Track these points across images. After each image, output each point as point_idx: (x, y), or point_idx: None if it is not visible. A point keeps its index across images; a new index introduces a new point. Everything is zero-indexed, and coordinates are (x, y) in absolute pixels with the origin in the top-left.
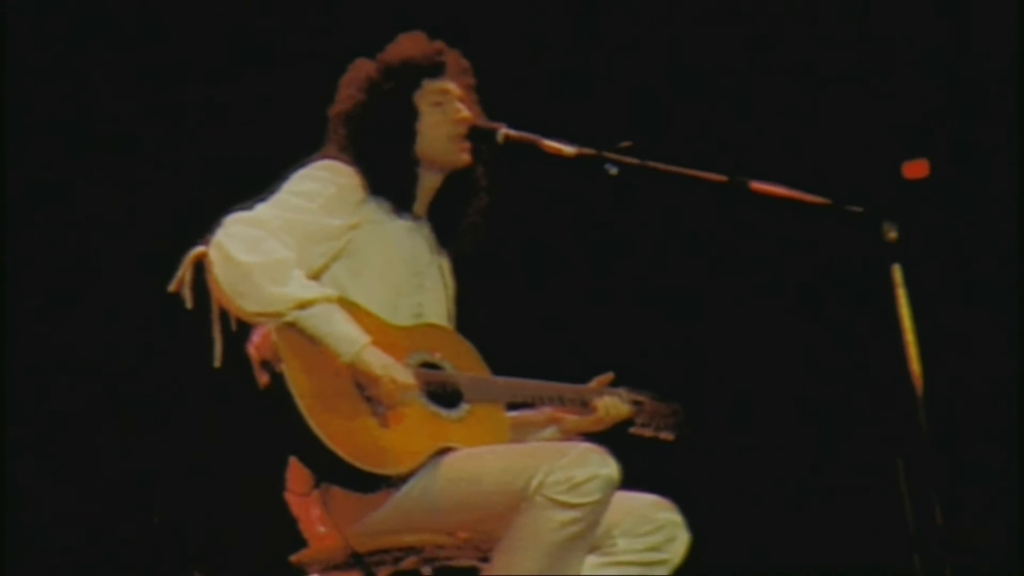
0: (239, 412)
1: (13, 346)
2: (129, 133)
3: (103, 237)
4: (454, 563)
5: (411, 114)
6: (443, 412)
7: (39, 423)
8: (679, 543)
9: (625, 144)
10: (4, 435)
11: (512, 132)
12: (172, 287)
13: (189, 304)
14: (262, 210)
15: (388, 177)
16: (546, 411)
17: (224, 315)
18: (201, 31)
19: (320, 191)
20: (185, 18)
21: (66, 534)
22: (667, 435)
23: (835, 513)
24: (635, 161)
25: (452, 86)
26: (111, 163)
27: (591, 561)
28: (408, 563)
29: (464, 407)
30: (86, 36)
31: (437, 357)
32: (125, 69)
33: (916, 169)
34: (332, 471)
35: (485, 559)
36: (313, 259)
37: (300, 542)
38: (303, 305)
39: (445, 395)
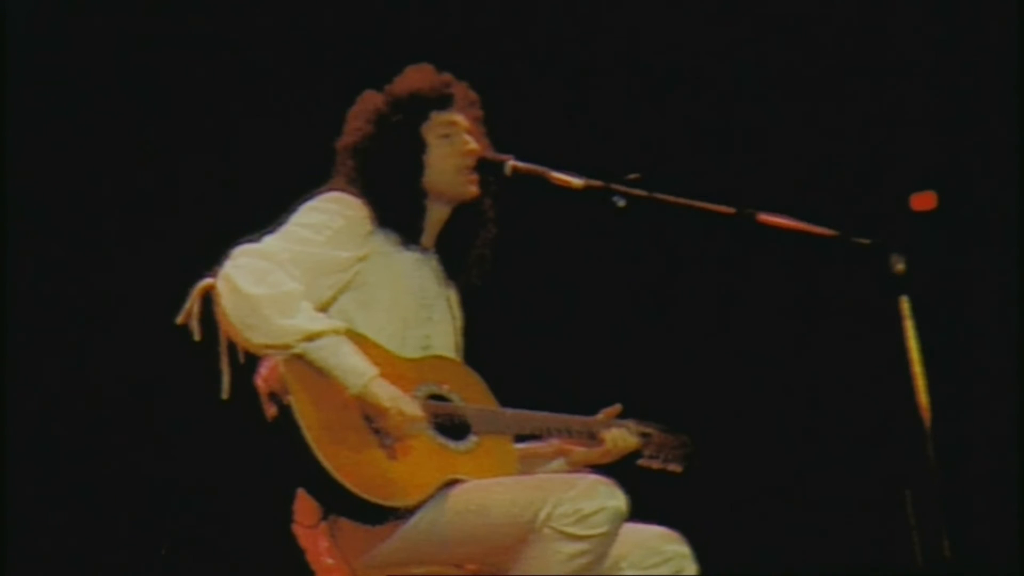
0: (247, 444)
1: (21, 378)
2: (140, 165)
3: (112, 270)
4: None
5: (419, 146)
6: (451, 444)
7: (44, 451)
8: (687, 573)
9: (633, 176)
10: (11, 470)
11: (520, 164)
12: (180, 319)
13: (197, 336)
14: (270, 242)
15: (396, 209)
16: (554, 443)
17: (232, 347)
18: (207, 62)
19: (328, 223)
20: (192, 51)
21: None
22: (675, 467)
23: (843, 545)
24: (643, 193)
25: (460, 118)
26: (122, 197)
27: None
28: None
29: (472, 439)
30: (95, 65)
31: (445, 389)
32: (134, 100)
33: (924, 201)
34: (340, 503)
35: None
36: (321, 291)
37: (308, 573)
38: (311, 337)
39: (453, 427)
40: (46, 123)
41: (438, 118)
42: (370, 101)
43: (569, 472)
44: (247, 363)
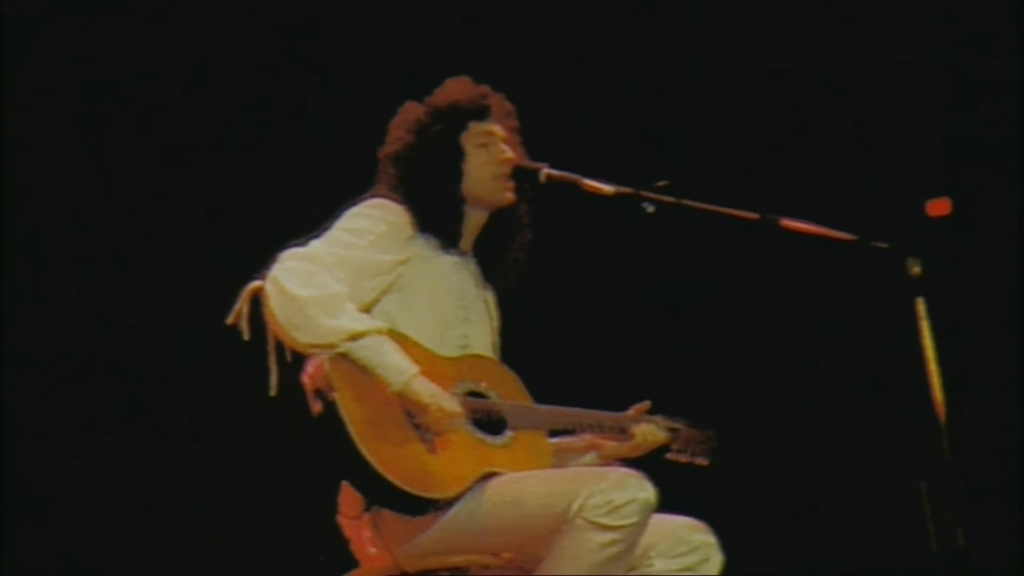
0: (294, 439)
1: (72, 376)
2: (194, 171)
3: (165, 273)
4: None
5: (458, 155)
6: (488, 439)
7: (96, 449)
8: (713, 564)
9: (662, 183)
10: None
11: (554, 172)
12: (230, 319)
13: (246, 336)
14: (316, 246)
15: (436, 215)
16: (586, 438)
17: (280, 346)
18: (259, 73)
19: (371, 228)
20: (235, 59)
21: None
22: (702, 460)
23: (861, 535)
24: (671, 199)
25: (497, 128)
26: (177, 204)
27: None
28: None
29: (508, 434)
30: (134, 69)
31: (483, 386)
32: (183, 107)
33: (939, 207)
34: (382, 495)
35: None
36: (364, 293)
37: (352, 563)
38: (355, 337)
39: (490, 422)
40: (106, 127)
41: (476, 128)
42: (411, 112)
43: (600, 465)
44: (294, 362)
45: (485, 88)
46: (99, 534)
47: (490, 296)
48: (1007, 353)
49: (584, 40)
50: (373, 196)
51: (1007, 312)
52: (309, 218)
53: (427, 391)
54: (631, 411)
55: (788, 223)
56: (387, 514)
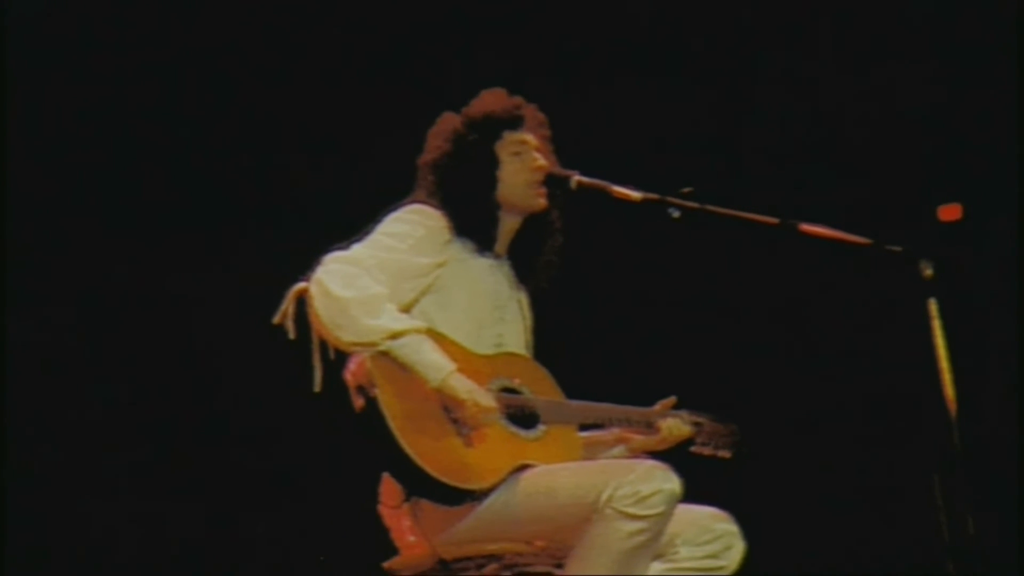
0: (337, 433)
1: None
2: (243, 181)
3: (215, 277)
4: (531, 570)
5: (492, 163)
6: (521, 433)
7: (156, 444)
8: (735, 551)
9: (686, 190)
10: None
11: (584, 179)
12: (276, 319)
13: (292, 335)
14: (358, 250)
15: (472, 219)
16: (615, 432)
17: (323, 345)
18: (305, 89)
19: (410, 232)
20: (281, 79)
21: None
22: (725, 453)
23: (876, 526)
24: (695, 205)
25: (530, 137)
26: (228, 206)
27: (655, 567)
28: (490, 569)
29: (541, 428)
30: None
31: (516, 383)
32: (231, 121)
33: (950, 212)
34: (421, 486)
35: (559, 565)
36: (404, 294)
37: (392, 550)
38: (395, 336)
39: (523, 417)
40: (163, 135)
41: (510, 137)
42: (448, 122)
43: (628, 458)
44: (337, 359)
45: (519, 99)
46: (163, 523)
47: (523, 297)
48: (1013, 350)
49: (610, 53)
50: (412, 202)
51: (1013, 312)
52: (351, 222)
53: (464, 387)
54: (657, 406)
55: (806, 227)
56: (426, 504)
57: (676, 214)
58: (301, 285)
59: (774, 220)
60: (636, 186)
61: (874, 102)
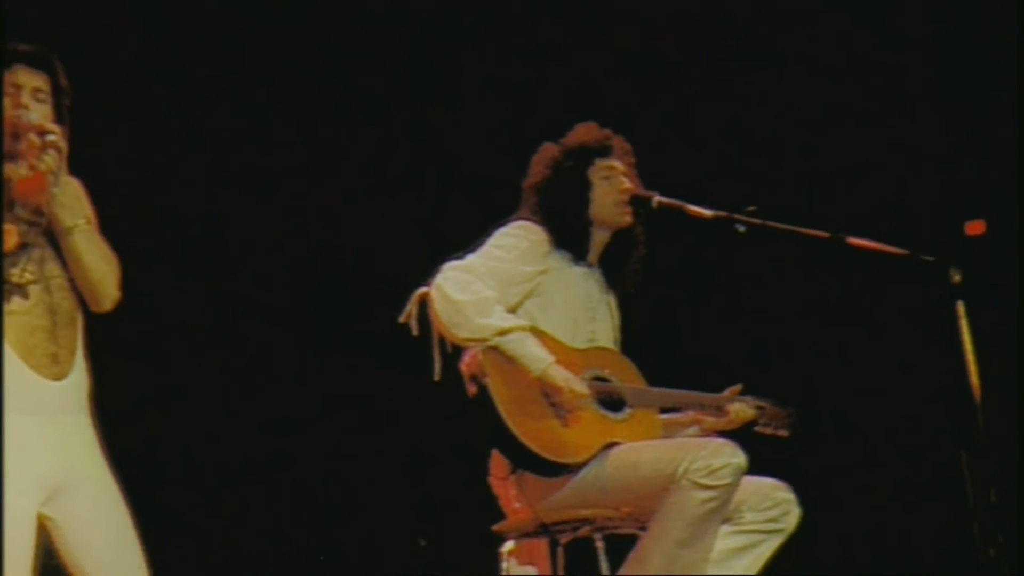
0: (453, 415)
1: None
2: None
3: (353, 283)
4: (619, 532)
5: (586, 186)
6: (610, 415)
7: (299, 435)
8: (792, 516)
9: (751, 208)
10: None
11: (664, 199)
12: (402, 319)
13: (415, 332)
14: (472, 259)
15: (568, 234)
16: (689, 414)
17: (442, 340)
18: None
19: (516, 245)
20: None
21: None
22: (783, 433)
23: (911, 497)
24: (758, 221)
25: (618, 163)
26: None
27: (724, 530)
28: (583, 532)
29: (627, 411)
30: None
31: (606, 372)
32: (364, 139)
33: (975, 228)
34: (525, 460)
35: (643, 528)
36: (510, 297)
37: (500, 515)
38: (503, 332)
39: (612, 402)
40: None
41: (600, 163)
42: (548, 151)
43: (701, 437)
44: (453, 353)
45: (608, 131)
46: (297, 489)
47: (612, 300)
48: None
49: (686, 92)
50: (517, 219)
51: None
52: (466, 236)
53: (561, 376)
54: (726, 393)
55: (853, 240)
56: (529, 476)
57: (742, 229)
58: (423, 290)
59: (825, 234)
60: (707, 205)
61: (911, 126)
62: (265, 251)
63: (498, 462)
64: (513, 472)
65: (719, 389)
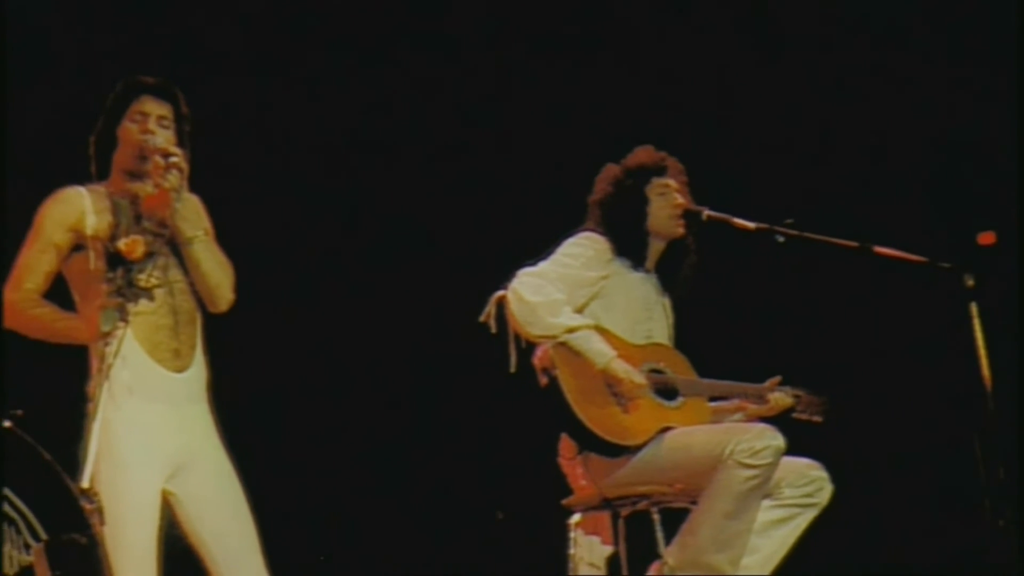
0: (527, 402)
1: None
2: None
3: (442, 288)
4: (673, 505)
5: (643, 201)
6: (665, 403)
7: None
8: (826, 492)
9: (789, 221)
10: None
11: (713, 213)
12: (482, 318)
13: (494, 330)
14: (543, 266)
15: (628, 244)
16: (735, 402)
17: (517, 337)
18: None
19: (582, 253)
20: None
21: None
22: (818, 418)
23: (930, 473)
24: (796, 232)
25: (672, 182)
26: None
27: (765, 504)
28: (641, 505)
29: (680, 399)
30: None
31: (661, 365)
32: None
33: (987, 238)
34: (590, 443)
35: (693, 502)
36: (577, 299)
37: (568, 491)
38: (571, 331)
39: (666, 391)
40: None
41: (657, 182)
42: (611, 171)
43: (746, 422)
44: (527, 348)
45: (663, 153)
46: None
47: (667, 302)
48: None
49: (730, 119)
50: (583, 230)
51: None
52: (539, 245)
53: (622, 369)
54: (767, 383)
55: (879, 249)
56: (593, 456)
57: (781, 240)
58: (500, 293)
59: (855, 243)
60: (750, 218)
61: (931, 146)
62: (365, 261)
63: (566, 444)
64: (580, 453)
65: (761, 380)
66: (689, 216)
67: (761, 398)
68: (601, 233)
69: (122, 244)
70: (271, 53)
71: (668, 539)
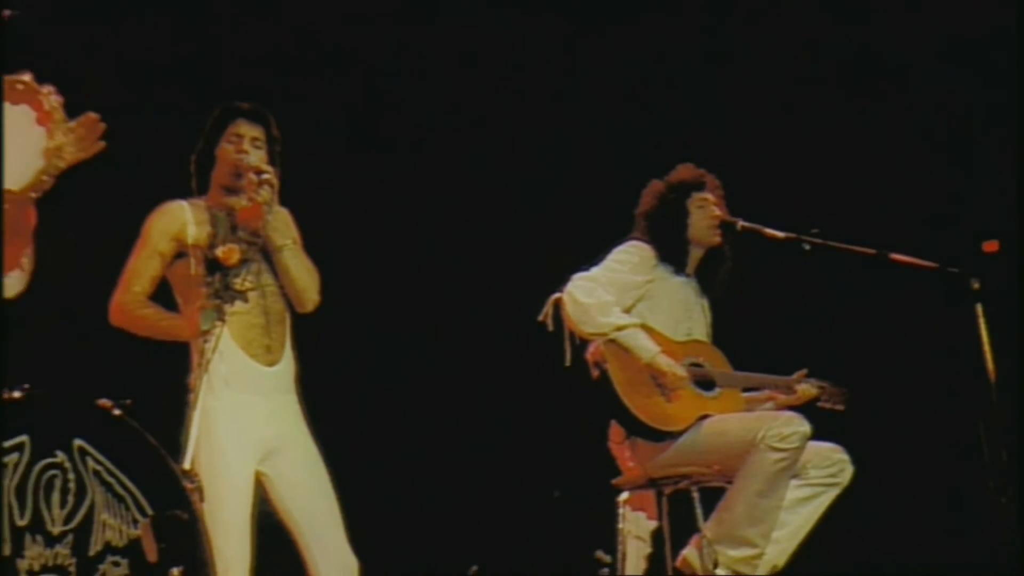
0: (580, 392)
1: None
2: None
3: (498, 292)
4: (710, 484)
5: (684, 213)
6: (704, 393)
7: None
8: (847, 472)
9: (815, 230)
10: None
11: (746, 223)
12: (540, 318)
13: (550, 328)
14: (595, 271)
15: (671, 251)
16: (766, 393)
17: (572, 335)
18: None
19: (630, 259)
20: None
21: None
22: (840, 407)
23: (940, 456)
24: (820, 241)
25: (710, 196)
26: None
27: (793, 483)
28: (683, 484)
29: (717, 390)
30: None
31: (700, 360)
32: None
33: (991, 246)
34: (637, 429)
35: (729, 482)
36: (625, 301)
37: (616, 472)
38: (619, 329)
39: (705, 383)
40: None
41: (696, 196)
42: (655, 186)
43: (775, 410)
44: (580, 345)
45: (703, 171)
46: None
47: (706, 303)
48: None
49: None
50: (631, 239)
51: None
52: (590, 254)
53: (666, 363)
54: (795, 376)
55: (894, 256)
56: (640, 441)
57: (807, 248)
58: (556, 295)
59: (872, 251)
60: (779, 227)
61: (939, 155)
62: (436, 270)
63: (616, 430)
64: (627, 438)
65: (789, 373)
66: (725, 226)
67: (789, 389)
68: (646, 242)
69: (220, 252)
70: (361, 86)
71: (706, 515)
